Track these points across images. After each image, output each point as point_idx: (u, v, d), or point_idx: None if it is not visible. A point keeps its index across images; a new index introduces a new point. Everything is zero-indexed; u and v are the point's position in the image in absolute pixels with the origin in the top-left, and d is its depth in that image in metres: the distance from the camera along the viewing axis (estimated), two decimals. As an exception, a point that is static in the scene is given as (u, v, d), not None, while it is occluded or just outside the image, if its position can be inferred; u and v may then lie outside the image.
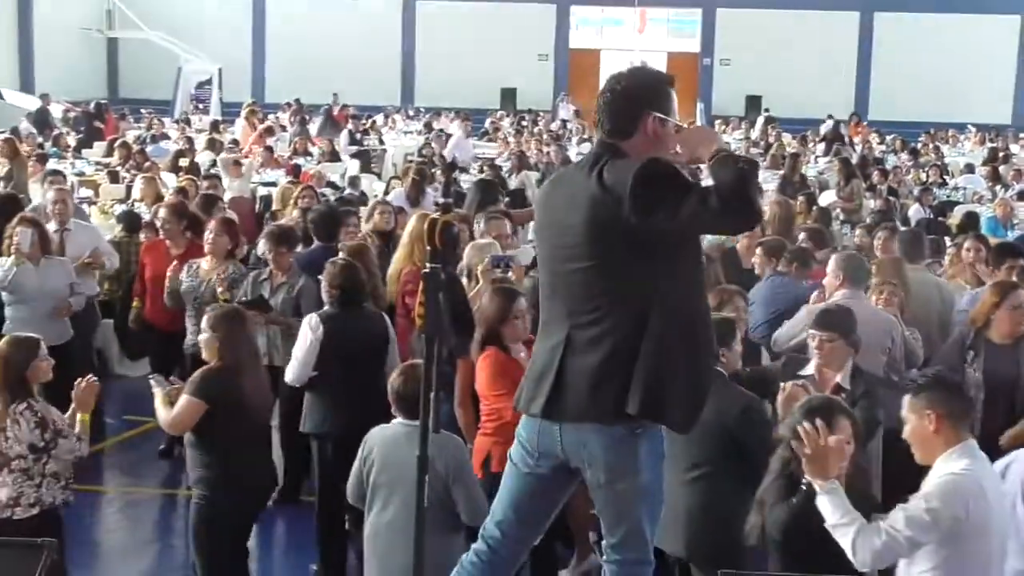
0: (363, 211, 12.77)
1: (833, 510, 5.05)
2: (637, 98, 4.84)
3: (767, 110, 38.30)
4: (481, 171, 20.05)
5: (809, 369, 7.15)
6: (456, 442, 6.46)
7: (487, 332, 7.37)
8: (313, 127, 29.24)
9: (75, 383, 6.98)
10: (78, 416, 6.91)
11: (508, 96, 42.85)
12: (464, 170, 22.74)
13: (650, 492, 4.92)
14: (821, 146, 30.22)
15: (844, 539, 5.00)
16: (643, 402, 4.68)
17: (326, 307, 8.32)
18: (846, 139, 31.83)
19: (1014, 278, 9.38)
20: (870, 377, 7.24)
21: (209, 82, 37.99)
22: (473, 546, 5.19)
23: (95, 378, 7.11)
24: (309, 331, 8.16)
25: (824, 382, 7.01)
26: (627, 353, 4.68)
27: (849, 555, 5.00)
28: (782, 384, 6.41)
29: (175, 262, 10.09)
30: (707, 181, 4.59)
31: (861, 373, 7.20)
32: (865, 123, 37.14)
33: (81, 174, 20.43)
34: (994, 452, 6.88)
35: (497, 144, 28.87)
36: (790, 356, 8.01)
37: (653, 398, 4.69)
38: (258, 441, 7.34)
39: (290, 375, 8.28)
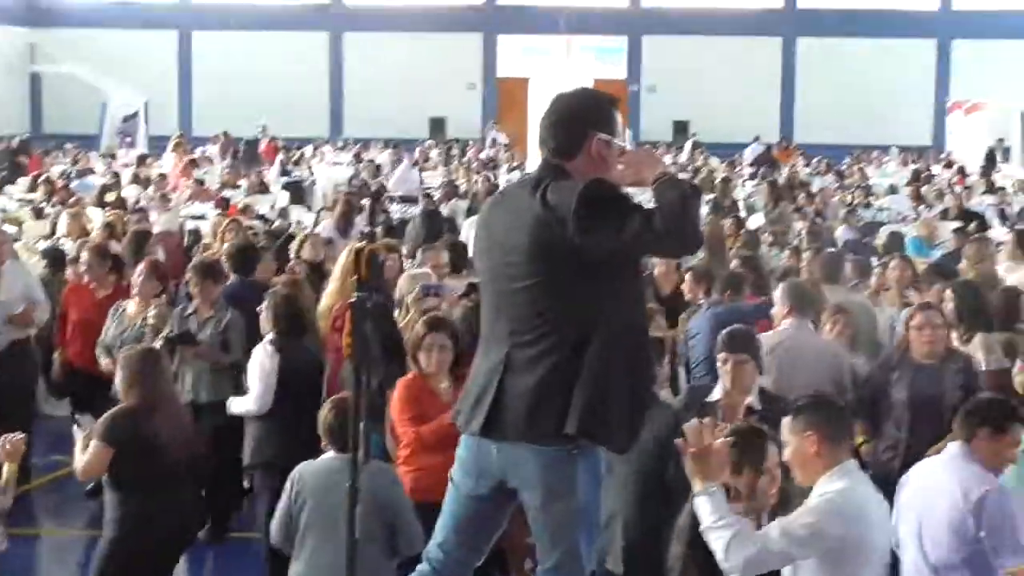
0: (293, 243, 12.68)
1: (710, 512, 4.95)
2: (582, 119, 4.86)
3: (694, 134, 38.54)
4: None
5: (716, 394, 7.04)
6: (390, 472, 6.43)
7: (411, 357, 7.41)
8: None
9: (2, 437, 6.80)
10: (5, 467, 6.65)
11: (437, 126, 42.88)
12: (414, 200, 22.61)
13: (587, 514, 4.91)
14: (749, 169, 30.46)
15: (717, 543, 4.93)
16: (583, 422, 4.68)
17: (269, 337, 8.27)
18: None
19: (942, 299, 9.57)
20: (779, 399, 7.17)
21: (135, 115, 37.62)
22: (418, 567, 5.16)
23: (23, 435, 6.94)
24: (265, 357, 8.12)
25: (733, 406, 6.91)
26: (568, 373, 4.68)
27: (720, 558, 4.94)
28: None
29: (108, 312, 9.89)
30: (650, 204, 4.63)
31: (767, 394, 7.14)
32: (792, 146, 37.56)
33: (3, 211, 20.15)
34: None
35: (439, 172, 28.83)
36: (693, 386, 8.03)
37: (593, 419, 4.70)
38: (174, 481, 7.08)
39: (252, 404, 8.15)
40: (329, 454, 6.36)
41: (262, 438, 8.12)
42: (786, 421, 5.32)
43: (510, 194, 5.09)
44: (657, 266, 10.97)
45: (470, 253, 8.68)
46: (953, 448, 5.94)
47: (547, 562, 4.91)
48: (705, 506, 4.98)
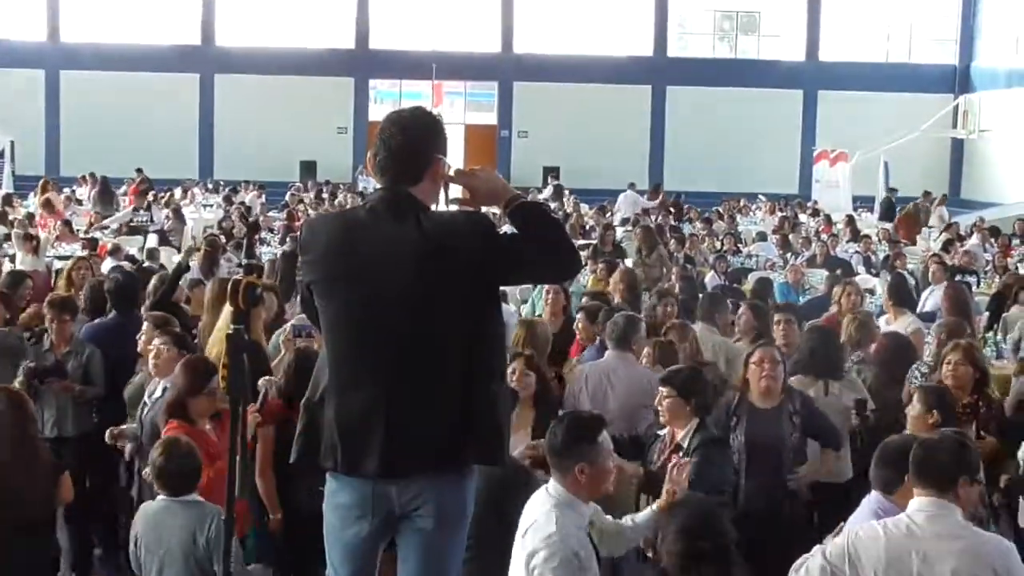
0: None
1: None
2: (428, 143, 4.87)
3: (556, 178, 38.60)
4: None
5: (664, 429, 7.29)
6: (218, 512, 6.21)
7: (172, 404, 7.30)
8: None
9: None
10: None
11: (307, 168, 42.61)
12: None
13: (460, 550, 4.93)
14: (620, 216, 30.70)
15: None
16: (484, 447, 4.75)
17: None
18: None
19: (781, 328, 9.76)
20: (706, 435, 7.26)
21: (0, 155, 36.89)
22: None
23: None
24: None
25: (673, 439, 7.17)
26: (461, 400, 4.68)
27: None
28: None
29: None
30: (506, 227, 4.67)
31: (702, 431, 7.26)
32: (663, 192, 38.02)
33: None
34: (753, 516, 7.31)
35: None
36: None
37: (492, 442, 4.77)
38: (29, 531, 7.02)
39: None
40: (160, 496, 6.28)
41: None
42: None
43: (365, 224, 4.81)
44: (546, 306, 11.03)
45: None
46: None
47: None
48: None
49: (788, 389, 8.16)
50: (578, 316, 10.48)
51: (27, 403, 7.35)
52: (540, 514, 5.46)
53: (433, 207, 4.87)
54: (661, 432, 7.29)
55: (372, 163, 4.94)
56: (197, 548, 5.94)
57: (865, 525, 5.61)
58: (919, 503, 5.37)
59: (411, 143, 4.84)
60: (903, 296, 13.15)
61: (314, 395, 4.93)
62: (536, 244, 4.62)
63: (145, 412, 8.00)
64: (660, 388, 7.29)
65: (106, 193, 29.95)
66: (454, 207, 4.85)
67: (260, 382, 7.88)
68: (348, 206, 29.36)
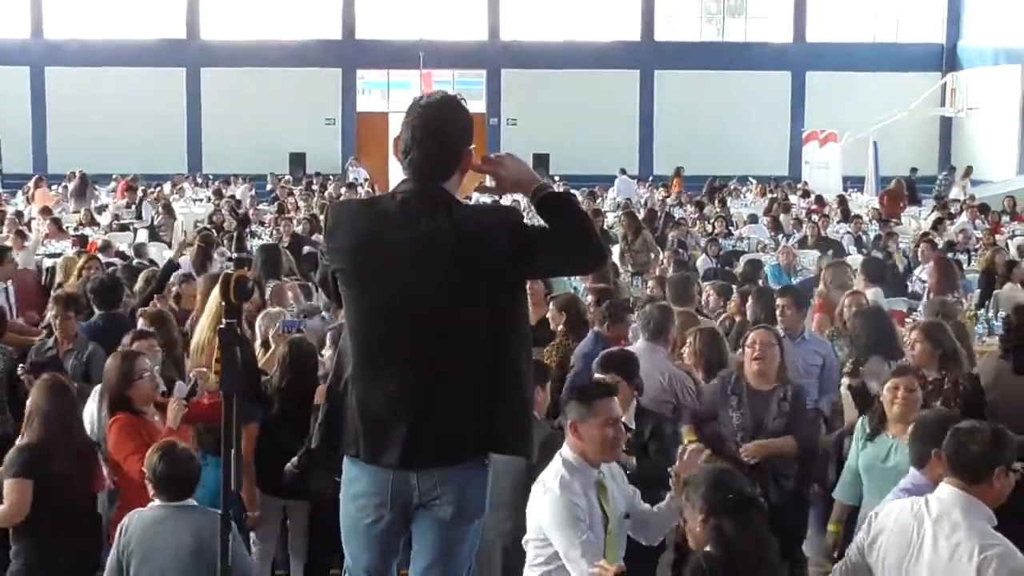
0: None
1: None
2: (462, 142, 4.83)
3: (545, 168, 38.46)
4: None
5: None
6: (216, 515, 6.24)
7: (113, 399, 7.30)
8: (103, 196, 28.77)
9: None
10: None
11: (297, 160, 42.54)
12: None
13: (475, 541, 4.96)
14: (611, 202, 30.76)
15: None
16: (511, 438, 4.78)
17: None
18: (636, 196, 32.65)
19: (787, 314, 9.77)
20: (655, 417, 7.37)
21: (-14, 154, 36.91)
22: None
23: None
24: None
25: None
26: (487, 392, 4.69)
27: None
28: None
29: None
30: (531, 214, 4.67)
31: (645, 414, 7.48)
32: (649, 180, 38.06)
33: None
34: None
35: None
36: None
37: (520, 432, 4.80)
38: (74, 520, 6.90)
39: None
40: (156, 503, 6.14)
41: None
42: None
43: (396, 217, 4.74)
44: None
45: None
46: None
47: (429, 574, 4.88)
48: None
49: (785, 378, 8.19)
50: (551, 306, 10.38)
51: (69, 390, 7.29)
52: (548, 473, 5.75)
53: (457, 195, 4.84)
54: None
55: (397, 150, 4.82)
56: (208, 552, 5.83)
57: (885, 507, 5.68)
58: (945, 490, 5.37)
59: (447, 146, 4.78)
60: (874, 274, 13.17)
61: (337, 383, 4.90)
62: (564, 235, 4.61)
63: None
64: (600, 374, 7.35)
65: (83, 188, 29.86)
66: (481, 196, 4.86)
67: (191, 374, 7.89)
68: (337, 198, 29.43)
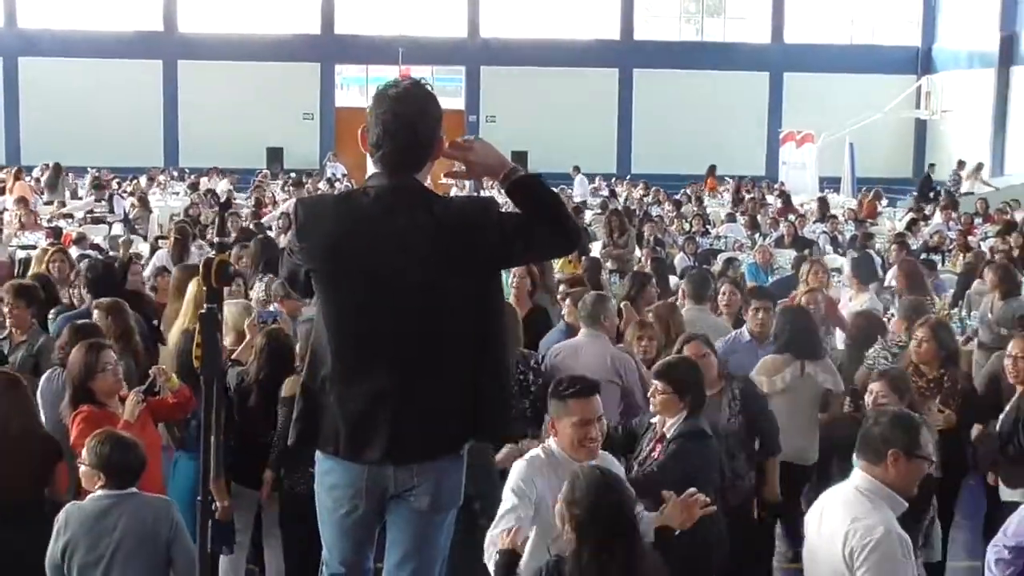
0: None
1: None
2: (434, 131, 4.74)
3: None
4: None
5: (656, 417, 7.25)
6: (171, 504, 6.16)
7: (76, 390, 7.27)
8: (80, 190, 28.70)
9: None
10: None
11: (274, 155, 42.43)
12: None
13: (450, 532, 4.96)
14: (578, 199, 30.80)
15: None
16: (494, 428, 4.84)
17: None
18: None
19: (759, 317, 9.80)
20: (686, 427, 7.14)
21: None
22: None
23: None
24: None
25: (661, 428, 7.17)
26: (469, 383, 4.67)
27: None
28: None
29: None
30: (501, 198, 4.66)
31: (686, 422, 7.17)
32: (627, 178, 38.07)
33: None
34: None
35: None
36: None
37: (503, 421, 4.85)
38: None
39: None
40: (97, 492, 6.03)
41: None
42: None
43: (373, 215, 4.65)
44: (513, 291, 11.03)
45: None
46: None
47: (403, 569, 4.87)
48: None
49: (728, 376, 8.16)
50: (565, 303, 10.44)
51: (18, 385, 7.25)
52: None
53: (426, 182, 4.80)
54: (654, 420, 7.28)
55: (365, 142, 4.75)
56: (158, 538, 5.81)
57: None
58: (853, 472, 5.43)
59: (418, 137, 4.68)
60: (865, 274, 13.24)
61: (312, 381, 4.83)
62: (539, 220, 4.58)
63: None
64: (654, 381, 7.26)
65: (55, 180, 29.74)
66: (450, 182, 4.83)
67: (151, 370, 7.85)
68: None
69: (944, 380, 8.73)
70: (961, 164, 35.28)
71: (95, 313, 9.06)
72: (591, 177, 36.87)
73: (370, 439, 4.68)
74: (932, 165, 36.36)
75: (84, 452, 6.12)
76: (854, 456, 5.45)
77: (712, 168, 37.92)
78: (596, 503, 4.98)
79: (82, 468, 6.12)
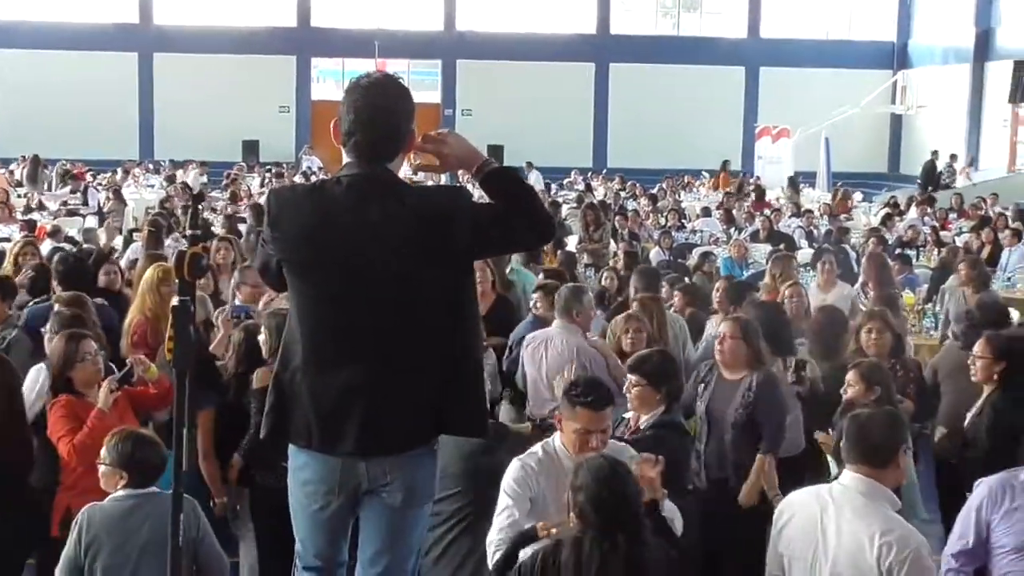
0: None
1: None
2: (406, 121, 4.74)
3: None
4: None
5: (629, 413, 7.27)
6: (194, 503, 6.02)
7: (56, 379, 7.27)
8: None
9: None
10: None
11: (250, 148, 42.29)
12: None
13: (424, 526, 4.96)
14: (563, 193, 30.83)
15: None
16: (471, 419, 4.79)
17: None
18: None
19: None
20: (663, 419, 7.19)
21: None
22: None
23: None
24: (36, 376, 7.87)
25: (636, 423, 7.16)
26: (440, 374, 4.66)
27: None
28: None
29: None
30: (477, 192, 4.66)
31: (663, 415, 7.22)
32: (603, 172, 38.09)
33: None
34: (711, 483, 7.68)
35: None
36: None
37: (476, 414, 4.81)
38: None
39: None
40: (120, 492, 5.96)
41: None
42: None
43: (344, 204, 4.63)
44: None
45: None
46: None
47: (376, 564, 4.85)
48: None
49: (758, 366, 8.06)
50: (535, 295, 10.45)
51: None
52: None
53: (400, 174, 4.81)
54: (627, 415, 7.28)
55: (337, 134, 4.72)
56: (186, 537, 5.70)
57: (792, 495, 5.74)
58: (847, 476, 5.40)
59: (393, 127, 4.68)
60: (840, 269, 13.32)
61: (284, 372, 4.81)
62: (511, 212, 4.57)
63: None
64: (629, 375, 7.28)
65: (35, 172, 29.61)
66: (422, 175, 4.82)
67: (128, 359, 7.82)
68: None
69: (897, 369, 8.77)
70: (954, 157, 35.45)
71: (55, 306, 9.03)
72: (567, 171, 36.90)
73: (342, 431, 4.66)
74: (935, 152, 36.36)
75: (104, 451, 6.04)
76: (845, 458, 5.46)
77: (725, 163, 37.88)
78: (599, 491, 5.00)
79: (102, 468, 6.04)
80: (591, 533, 4.98)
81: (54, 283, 10.47)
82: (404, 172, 5.03)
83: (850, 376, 7.79)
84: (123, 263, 13.84)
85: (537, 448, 5.86)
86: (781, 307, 10.03)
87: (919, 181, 35.18)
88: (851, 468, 5.39)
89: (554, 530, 5.26)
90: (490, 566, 5.47)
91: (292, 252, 4.74)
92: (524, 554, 5.28)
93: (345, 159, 4.76)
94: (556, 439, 5.87)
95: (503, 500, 5.65)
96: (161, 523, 5.66)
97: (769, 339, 8.79)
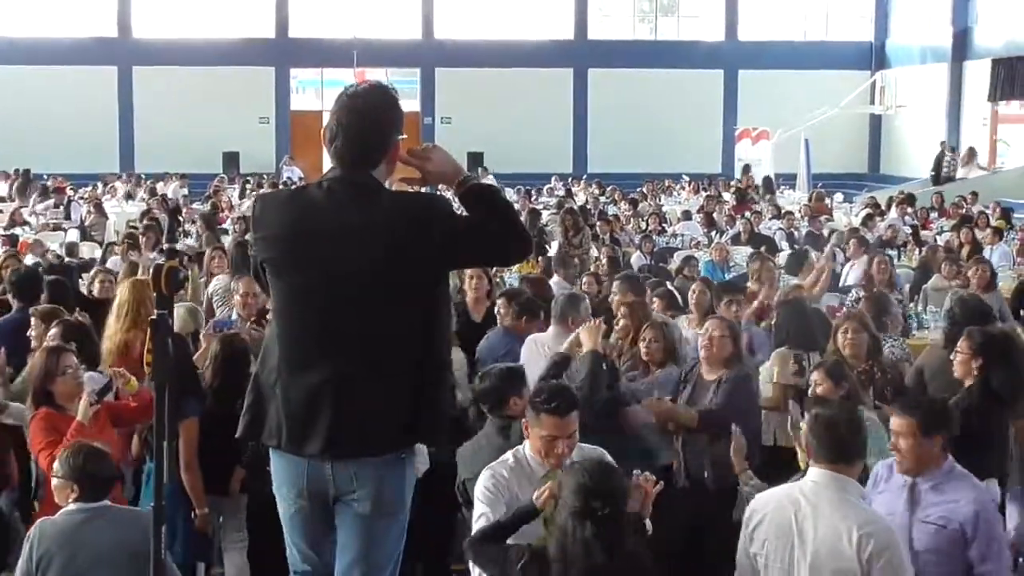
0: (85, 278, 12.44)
1: None
2: (390, 128, 4.79)
3: (485, 168, 38.53)
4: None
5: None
6: (150, 516, 6.08)
7: (36, 393, 7.26)
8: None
9: None
10: None
11: (230, 159, 42.23)
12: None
13: (400, 536, 4.94)
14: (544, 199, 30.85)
15: None
16: (432, 430, 4.82)
17: None
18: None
19: (733, 310, 9.90)
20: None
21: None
22: None
23: None
24: None
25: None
26: (409, 381, 4.68)
27: None
28: None
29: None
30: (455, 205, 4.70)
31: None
32: (583, 178, 38.12)
33: None
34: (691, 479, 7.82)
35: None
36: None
37: (437, 422, 4.82)
38: None
39: None
40: (72, 506, 5.89)
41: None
42: None
43: (324, 206, 4.71)
44: (469, 295, 11.01)
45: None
46: None
47: (351, 573, 4.87)
48: None
49: (734, 365, 8.16)
50: (499, 301, 10.44)
51: None
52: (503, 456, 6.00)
53: (386, 184, 4.84)
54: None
55: (326, 141, 4.78)
56: (138, 551, 5.69)
57: (762, 495, 5.81)
58: (816, 472, 5.49)
59: (373, 133, 4.75)
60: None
61: (262, 371, 4.88)
62: (488, 227, 4.62)
63: None
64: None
65: (25, 186, 29.55)
66: (404, 187, 4.85)
67: (108, 372, 7.82)
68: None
69: (874, 371, 8.83)
70: (953, 150, 35.59)
71: (32, 320, 9.02)
72: (547, 177, 36.92)
73: (309, 432, 4.70)
74: (943, 143, 36.48)
75: (56, 464, 6.02)
76: (813, 456, 5.55)
77: (747, 167, 37.88)
78: (585, 486, 5.03)
79: (55, 481, 6.02)
80: (574, 527, 5.01)
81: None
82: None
83: (815, 376, 7.88)
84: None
85: (508, 455, 5.88)
86: (808, 305, 10.15)
87: (932, 172, 35.28)
88: (821, 465, 5.48)
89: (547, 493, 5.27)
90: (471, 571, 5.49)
91: (271, 252, 4.83)
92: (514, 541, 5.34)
93: (329, 165, 4.83)
94: (526, 446, 5.88)
95: (478, 507, 5.66)
96: (113, 537, 5.71)
97: (797, 336, 8.99)
